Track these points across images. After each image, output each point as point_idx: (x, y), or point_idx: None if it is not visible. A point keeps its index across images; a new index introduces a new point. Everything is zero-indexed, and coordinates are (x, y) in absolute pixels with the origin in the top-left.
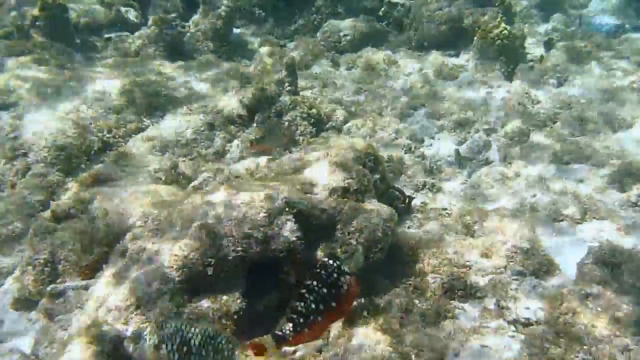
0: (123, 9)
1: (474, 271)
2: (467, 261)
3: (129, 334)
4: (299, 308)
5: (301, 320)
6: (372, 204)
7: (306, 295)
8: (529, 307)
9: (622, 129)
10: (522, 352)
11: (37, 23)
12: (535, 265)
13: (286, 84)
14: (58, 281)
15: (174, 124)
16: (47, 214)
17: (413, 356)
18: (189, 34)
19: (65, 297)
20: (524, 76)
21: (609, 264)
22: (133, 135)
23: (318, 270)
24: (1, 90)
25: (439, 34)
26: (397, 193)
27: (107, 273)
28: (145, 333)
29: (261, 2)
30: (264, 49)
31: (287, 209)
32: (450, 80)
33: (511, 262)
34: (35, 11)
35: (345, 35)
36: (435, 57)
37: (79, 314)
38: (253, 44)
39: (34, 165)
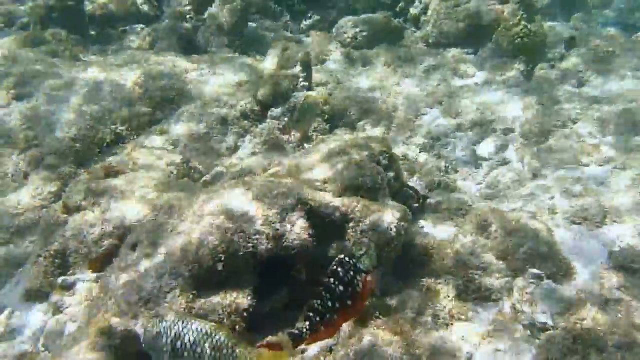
0: (139, 1)
1: (489, 273)
2: (482, 263)
3: (137, 328)
4: (316, 306)
5: (318, 318)
6: (385, 203)
7: (323, 293)
8: (546, 311)
9: None
10: (538, 358)
11: (52, 15)
12: (553, 269)
13: (301, 80)
14: (68, 273)
15: (187, 119)
16: (59, 205)
17: (425, 358)
18: (203, 28)
19: (75, 289)
20: (544, 75)
21: (629, 269)
22: (146, 128)
23: (335, 268)
24: (16, 81)
25: (457, 31)
26: (411, 192)
27: (117, 266)
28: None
29: None
30: (274, 51)
31: (299, 206)
32: (468, 78)
33: (528, 265)
34: (51, 1)
35: (361, 32)
36: (452, 55)
37: (88, 307)
38: (268, 39)
39: (47, 157)
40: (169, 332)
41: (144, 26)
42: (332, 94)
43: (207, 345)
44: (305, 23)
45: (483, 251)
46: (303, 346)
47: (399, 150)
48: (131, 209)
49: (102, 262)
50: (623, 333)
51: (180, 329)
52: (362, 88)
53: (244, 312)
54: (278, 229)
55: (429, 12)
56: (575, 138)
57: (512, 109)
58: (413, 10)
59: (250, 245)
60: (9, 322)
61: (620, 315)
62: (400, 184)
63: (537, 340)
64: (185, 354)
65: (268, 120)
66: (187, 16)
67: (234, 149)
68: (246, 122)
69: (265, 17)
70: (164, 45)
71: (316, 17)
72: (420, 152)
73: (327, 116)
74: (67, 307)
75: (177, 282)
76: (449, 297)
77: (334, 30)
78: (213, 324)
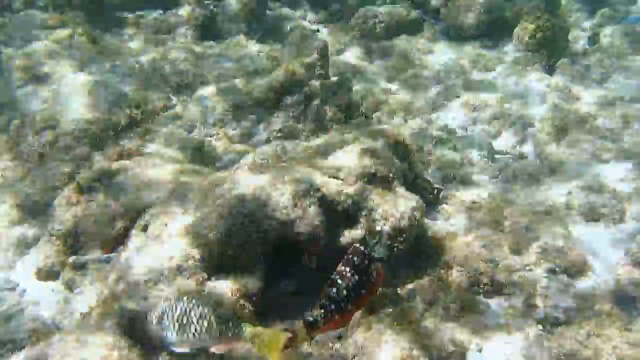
0: None
1: (502, 267)
2: (496, 256)
3: (145, 310)
4: (332, 294)
5: (332, 306)
6: (399, 193)
7: (338, 281)
8: (559, 306)
9: None
10: (550, 352)
11: None
12: (568, 264)
13: (317, 68)
14: (80, 253)
15: (202, 104)
16: (72, 186)
17: (434, 350)
18: (222, 15)
19: (86, 269)
20: (565, 70)
21: None
22: (161, 112)
23: (350, 257)
24: (34, 63)
25: (478, 23)
26: (425, 184)
27: (129, 247)
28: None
29: None
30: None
31: (311, 193)
32: (487, 71)
33: (542, 259)
34: None
35: (380, 22)
36: (473, 48)
37: (99, 286)
38: (286, 27)
39: (62, 137)
40: (174, 310)
41: (161, 12)
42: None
43: (213, 318)
44: (324, 12)
45: (496, 244)
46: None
47: (414, 142)
48: (143, 191)
49: (113, 243)
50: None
51: (185, 305)
52: (380, 79)
53: (253, 296)
54: (289, 215)
55: (449, 4)
56: (596, 134)
57: (531, 103)
58: (433, 2)
59: (261, 230)
60: (21, 300)
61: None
62: (415, 175)
63: (550, 335)
64: (192, 328)
65: (283, 108)
66: (206, 2)
67: (248, 136)
68: (261, 109)
69: (284, 5)
70: (182, 30)
71: (335, 6)
72: (436, 144)
73: (342, 106)
74: (78, 287)
75: (187, 264)
76: (460, 289)
77: (352, 19)
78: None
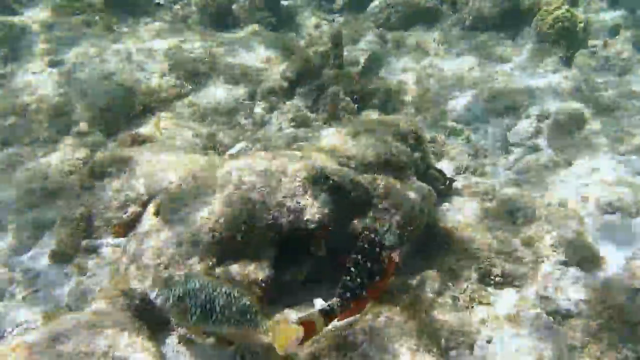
0: None
1: (514, 258)
2: (507, 248)
3: (154, 292)
4: (347, 282)
5: (348, 294)
6: (410, 182)
7: (353, 269)
8: (571, 298)
9: None
10: (560, 344)
11: None
12: (580, 257)
13: (331, 58)
14: (92, 237)
15: (215, 92)
16: (86, 170)
17: (442, 339)
18: (237, 4)
19: (98, 253)
20: (584, 62)
21: None
22: (174, 100)
23: (362, 244)
24: (50, 49)
25: (494, 14)
26: (437, 174)
27: (140, 231)
28: (171, 284)
29: None
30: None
31: (322, 180)
32: (504, 62)
33: (554, 251)
34: None
35: (395, 12)
36: (490, 38)
37: (110, 269)
38: (301, 16)
39: (77, 123)
40: (198, 294)
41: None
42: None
43: (234, 308)
44: (339, 2)
45: (508, 236)
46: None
47: (427, 133)
48: (155, 177)
49: (125, 228)
50: None
51: (211, 291)
52: (394, 69)
53: (262, 282)
54: (299, 202)
55: None
56: (613, 126)
57: (548, 95)
58: None
59: (271, 217)
60: (35, 282)
61: None
62: (427, 165)
63: (561, 327)
64: (214, 316)
65: (296, 97)
66: None
67: (261, 125)
68: (274, 97)
69: None
70: (197, 19)
71: None
72: (449, 135)
73: (356, 96)
74: (90, 269)
75: (197, 249)
76: (470, 279)
77: (368, 9)
78: (238, 288)
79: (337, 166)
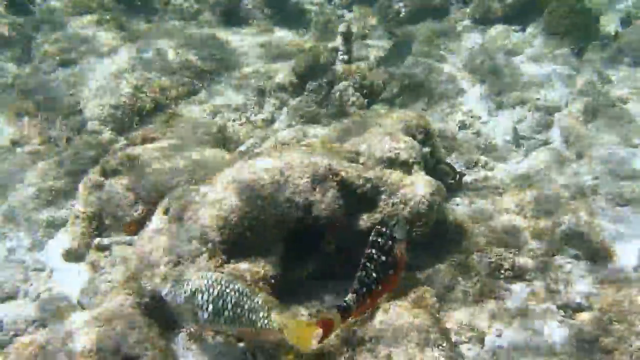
0: None
1: (524, 252)
2: (517, 242)
3: (166, 289)
4: (362, 277)
5: (364, 289)
6: (419, 177)
7: (367, 264)
8: (582, 292)
9: None
10: (571, 338)
11: None
12: (592, 250)
13: (340, 53)
14: (104, 235)
15: (225, 88)
16: (97, 169)
17: (453, 333)
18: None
19: (110, 250)
20: (595, 54)
21: None
22: (185, 98)
23: (375, 238)
24: (62, 48)
25: (504, 6)
26: (447, 168)
27: (149, 229)
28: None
29: None
30: None
31: (330, 176)
32: (514, 55)
33: (565, 245)
34: None
35: (405, 6)
36: (500, 31)
37: (121, 267)
38: (310, 12)
39: (89, 122)
40: (210, 290)
41: None
42: (372, 69)
43: (246, 307)
44: None
45: (518, 230)
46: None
47: (437, 127)
48: (166, 175)
49: (136, 226)
50: None
51: (223, 288)
52: (403, 63)
53: (271, 279)
54: (308, 198)
55: None
56: (625, 118)
57: (559, 87)
58: None
59: (279, 213)
60: (49, 280)
61: None
62: (437, 160)
63: (571, 321)
64: (225, 313)
65: (305, 93)
66: None
67: (270, 121)
68: (283, 94)
69: None
70: (206, 15)
71: None
72: (459, 129)
73: (365, 91)
74: (101, 267)
75: (206, 246)
76: (480, 274)
77: (376, 4)
78: (250, 286)
79: (345, 162)
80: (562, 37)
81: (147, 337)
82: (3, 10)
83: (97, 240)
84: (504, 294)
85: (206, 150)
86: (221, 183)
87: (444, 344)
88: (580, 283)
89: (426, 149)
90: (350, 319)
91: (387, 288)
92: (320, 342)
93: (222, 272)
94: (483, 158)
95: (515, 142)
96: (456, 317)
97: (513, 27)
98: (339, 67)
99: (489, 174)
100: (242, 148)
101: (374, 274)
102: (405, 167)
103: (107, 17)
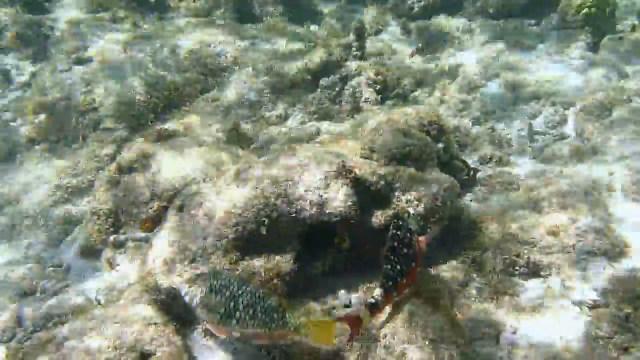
0: None
1: (539, 248)
2: (532, 238)
3: (182, 286)
4: (387, 271)
5: (390, 283)
6: (432, 173)
7: (391, 257)
8: (598, 288)
9: None
10: (587, 334)
11: None
12: (607, 246)
13: (354, 49)
14: (120, 232)
15: (239, 86)
16: (113, 166)
17: (467, 330)
18: None
19: (125, 247)
20: (611, 47)
21: None
22: (198, 95)
23: (395, 232)
24: (77, 46)
25: (519, 0)
26: (461, 164)
27: (165, 227)
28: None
29: None
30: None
31: (343, 174)
32: (529, 49)
33: (580, 241)
34: None
35: (418, 1)
36: (514, 25)
37: (137, 264)
38: (323, 9)
39: (104, 119)
40: (224, 291)
41: None
42: (385, 65)
43: (259, 308)
44: None
45: (533, 226)
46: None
47: (451, 123)
48: (180, 172)
49: (152, 222)
50: None
51: (236, 289)
52: (417, 59)
53: (285, 276)
54: (321, 196)
55: None
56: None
57: (575, 82)
58: None
59: (294, 210)
60: (65, 277)
61: None
62: (450, 156)
63: (587, 317)
64: (238, 314)
65: (318, 89)
66: None
67: (284, 117)
68: (297, 90)
69: None
70: (219, 13)
71: None
72: (473, 125)
73: (378, 87)
74: (118, 264)
75: (221, 243)
76: (494, 270)
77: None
78: (264, 289)
79: (359, 159)
80: (577, 31)
81: (163, 334)
82: (20, 9)
83: (113, 237)
84: (518, 291)
85: (220, 147)
86: (236, 180)
87: (459, 341)
88: (596, 279)
89: (440, 145)
90: (378, 314)
91: (410, 280)
92: (349, 340)
93: (237, 270)
94: (497, 153)
95: (530, 138)
96: (471, 314)
97: (528, 21)
98: (352, 63)
99: (504, 169)
100: (256, 145)
101: (398, 267)
102: (420, 163)
103: (122, 14)
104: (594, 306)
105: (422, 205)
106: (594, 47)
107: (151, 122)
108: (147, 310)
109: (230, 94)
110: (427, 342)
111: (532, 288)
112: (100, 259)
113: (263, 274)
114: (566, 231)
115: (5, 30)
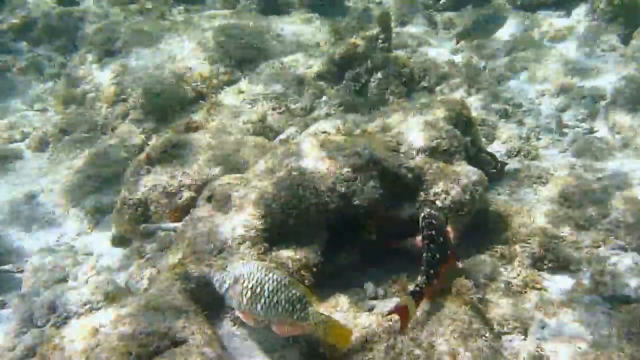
0: None
1: (569, 243)
2: (562, 232)
3: (211, 275)
4: (428, 259)
5: (431, 270)
6: (460, 166)
7: (431, 245)
8: (630, 284)
9: None
10: (618, 331)
11: None
12: (639, 241)
13: (379, 41)
14: (149, 222)
15: (265, 78)
16: (142, 156)
17: (495, 323)
18: None
19: (155, 237)
20: None
21: None
22: (225, 86)
23: (428, 220)
24: (105, 38)
25: None
26: (488, 158)
27: (194, 216)
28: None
29: None
30: None
31: (371, 165)
32: (558, 42)
33: (611, 236)
34: None
35: None
36: (544, 16)
37: (166, 253)
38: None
39: (133, 111)
40: (250, 277)
41: None
42: (411, 57)
43: (283, 296)
44: None
45: (563, 220)
46: None
47: (478, 116)
48: (208, 163)
49: (180, 212)
50: None
51: (262, 275)
52: (443, 51)
53: (313, 267)
54: (349, 187)
55: None
56: None
57: (605, 74)
58: None
59: (321, 202)
60: (97, 265)
61: None
62: (478, 149)
63: (618, 313)
64: (262, 300)
65: (344, 82)
66: None
67: (310, 110)
68: (322, 82)
69: None
70: (246, 4)
71: None
72: (501, 118)
73: (404, 79)
74: (147, 253)
75: (249, 234)
76: (523, 264)
77: None
78: (292, 278)
79: (387, 151)
80: (608, 22)
81: (194, 322)
82: (51, 2)
83: (142, 226)
84: (547, 285)
85: (247, 139)
86: (263, 171)
87: (487, 334)
88: (627, 275)
89: (467, 138)
90: (422, 302)
91: (447, 267)
92: (402, 331)
93: (265, 260)
94: (526, 147)
95: (559, 131)
96: (498, 307)
97: (557, 12)
98: (378, 55)
99: (532, 162)
100: (283, 137)
101: (437, 255)
102: (447, 156)
103: (149, 6)
104: (625, 302)
105: (450, 198)
106: (625, 39)
107: (179, 113)
108: (178, 299)
109: (257, 86)
110: (455, 336)
111: (562, 283)
112: (130, 247)
113: (290, 265)
114: (596, 226)
115: (37, 22)
